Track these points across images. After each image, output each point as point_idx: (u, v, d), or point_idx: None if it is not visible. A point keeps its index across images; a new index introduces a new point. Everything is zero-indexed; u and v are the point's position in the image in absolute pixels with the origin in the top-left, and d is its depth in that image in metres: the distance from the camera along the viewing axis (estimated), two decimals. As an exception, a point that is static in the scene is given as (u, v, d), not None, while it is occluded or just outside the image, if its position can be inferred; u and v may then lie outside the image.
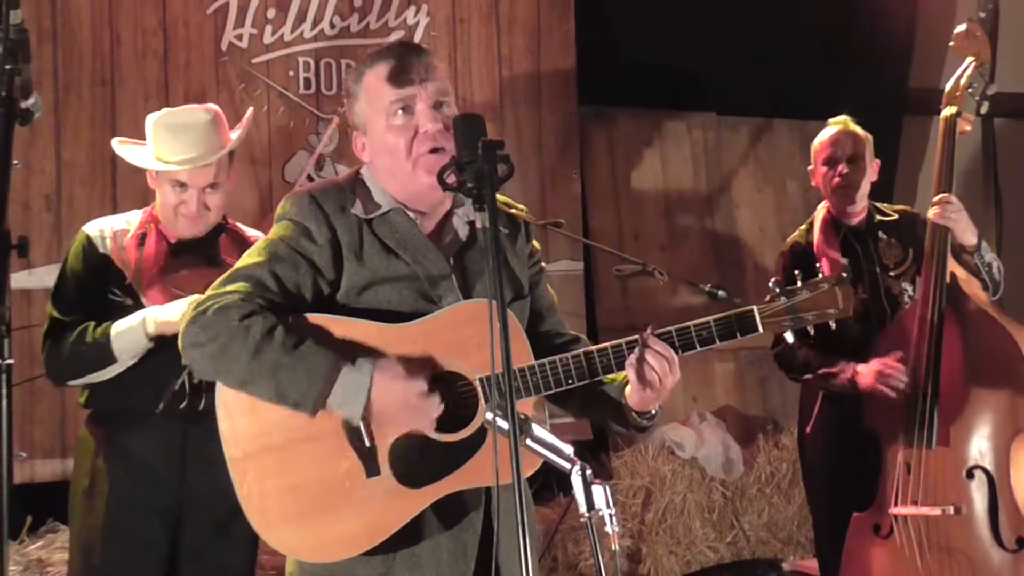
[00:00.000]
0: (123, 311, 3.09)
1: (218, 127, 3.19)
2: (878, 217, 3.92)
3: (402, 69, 2.29)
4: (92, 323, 3.07)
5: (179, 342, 2.23)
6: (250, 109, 3.38)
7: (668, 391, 2.30)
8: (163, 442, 3.11)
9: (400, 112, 2.28)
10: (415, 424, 2.19)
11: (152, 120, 3.20)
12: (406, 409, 2.17)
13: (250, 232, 3.33)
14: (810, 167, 4.02)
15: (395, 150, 2.29)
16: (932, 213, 3.58)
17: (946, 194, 3.56)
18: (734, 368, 6.13)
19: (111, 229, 3.19)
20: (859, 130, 3.94)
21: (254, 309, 2.19)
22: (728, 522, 5.64)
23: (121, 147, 3.30)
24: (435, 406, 2.18)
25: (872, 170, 3.91)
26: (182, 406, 3.07)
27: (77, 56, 4.71)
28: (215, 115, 3.20)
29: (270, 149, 5.02)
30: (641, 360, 2.26)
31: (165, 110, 3.25)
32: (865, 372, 3.61)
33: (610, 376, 2.35)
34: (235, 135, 3.23)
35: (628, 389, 2.33)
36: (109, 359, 3.04)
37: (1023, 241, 6.41)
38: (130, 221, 3.22)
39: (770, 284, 2.35)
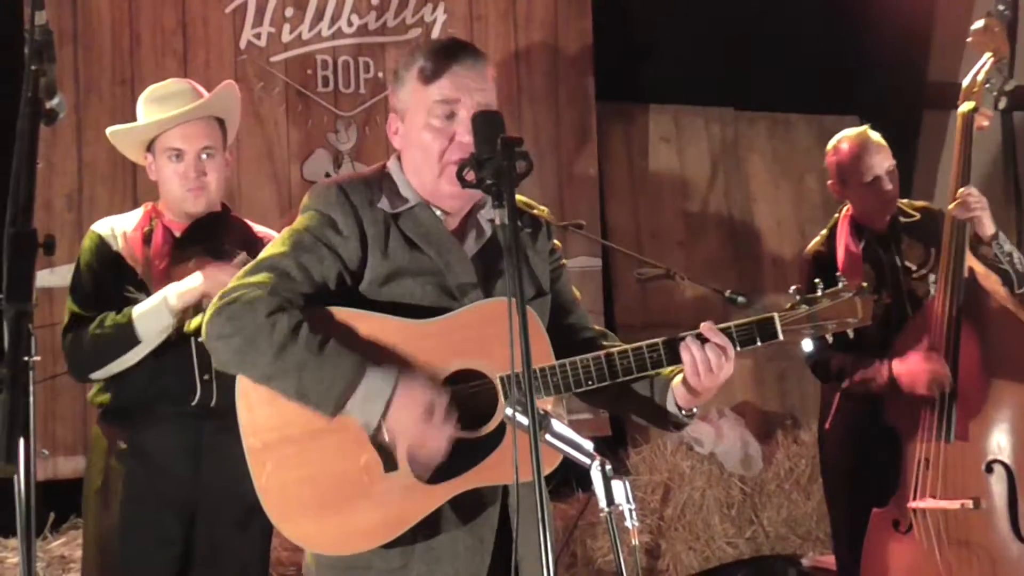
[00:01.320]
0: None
1: (198, 94, 3.22)
2: (901, 219, 3.89)
3: (456, 72, 2.29)
4: (111, 312, 3.09)
5: (203, 332, 2.25)
6: (226, 82, 3.36)
7: (718, 387, 2.31)
8: (178, 438, 3.12)
9: (442, 114, 2.28)
10: (427, 442, 2.19)
11: (140, 99, 3.25)
12: (422, 425, 2.17)
13: (257, 228, 3.35)
14: (830, 181, 3.95)
15: (427, 149, 2.30)
16: (953, 208, 3.55)
17: (967, 187, 3.55)
18: (752, 364, 6.13)
19: (120, 228, 3.22)
20: (880, 140, 3.87)
21: (281, 304, 2.20)
22: (747, 518, 5.64)
23: (113, 131, 3.31)
24: (450, 428, 2.19)
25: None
26: (194, 403, 3.09)
27: (97, 56, 4.74)
28: (194, 85, 3.26)
29: (288, 148, 5.04)
30: (692, 350, 2.27)
31: (149, 87, 3.28)
32: (905, 372, 3.57)
33: (664, 371, 2.37)
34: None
35: (676, 383, 2.35)
36: (133, 341, 3.05)
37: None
38: (133, 219, 3.26)
39: (791, 291, 2.37)
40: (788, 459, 5.76)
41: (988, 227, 3.56)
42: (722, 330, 2.31)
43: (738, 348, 2.32)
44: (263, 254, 2.30)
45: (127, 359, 3.08)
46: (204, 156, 3.17)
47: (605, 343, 2.46)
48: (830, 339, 2.39)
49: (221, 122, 3.25)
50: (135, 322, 3.05)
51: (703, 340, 2.29)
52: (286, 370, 2.17)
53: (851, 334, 2.39)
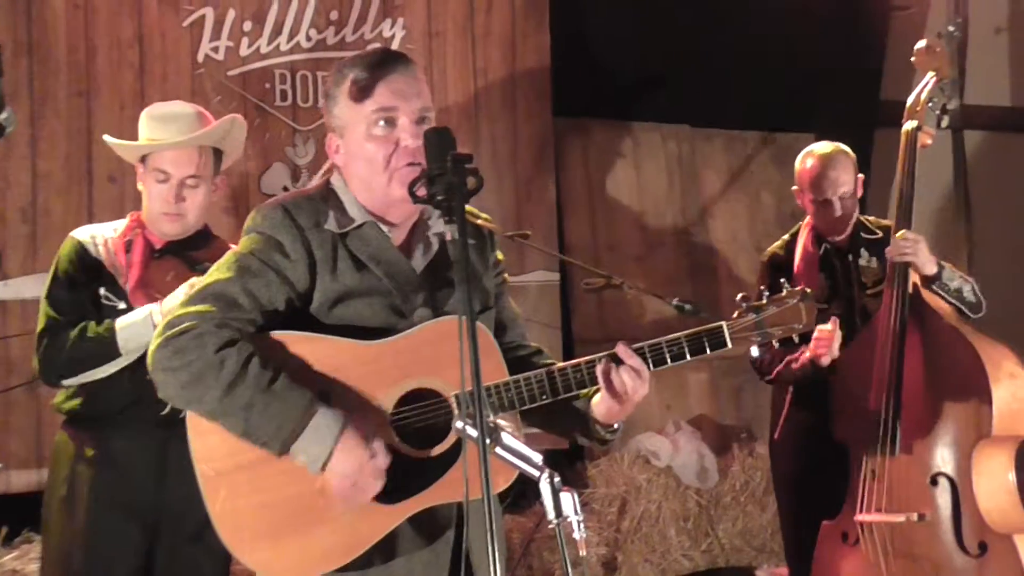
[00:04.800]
0: (116, 314, 3.11)
1: (203, 122, 3.27)
2: (863, 234, 3.95)
3: (390, 79, 2.29)
4: (92, 322, 3.09)
5: (148, 362, 2.20)
6: (234, 116, 3.40)
7: (633, 405, 2.34)
8: (145, 447, 3.12)
9: (383, 123, 2.27)
10: (353, 495, 2.18)
11: (144, 113, 3.30)
12: (358, 477, 2.16)
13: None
14: (795, 187, 4.00)
15: (372, 160, 2.28)
16: (889, 250, 3.62)
17: (902, 233, 3.61)
18: (709, 377, 6.18)
19: (101, 236, 3.24)
20: (848, 153, 3.93)
21: (231, 338, 2.17)
22: (703, 530, 5.68)
23: (109, 142, 3.36)
24: (378, 486, 2.18)
25: (859, 188, 3.93)
26: (164, 413, 3.07)
27: (53, 68, 4.72)
28: (202, 113, 3.31)
29: (246, 161, 5.03)
30: (610, 371, 2.30)
31: (156, 103, 3.36)
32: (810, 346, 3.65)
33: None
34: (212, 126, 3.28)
35: (595, 400, 2.37)
36: (113, 353, 3.07)
37: (994, 253, 6.49)
38: (117, 228, 3.27)
39: (737, 299, 2.42)
40: (744, 472, 5.81)
41: (927, 267, 3.61)
42: (672, 341, 2.35)
43: (688, 357, 2.36)
44: (208, 279, 2.26)
45: (104, 370, 3.10)
46: (188, 183, 3.20)
47: (541, 360, 2.48)
48: (776, 345, 2.45)
49: (218, 152, 3.30)
50: (117, 335, 3.06)
51: (619, 362, 2.31)
52: (233, 409, 2.14)
53: (796, 340, 2.44)
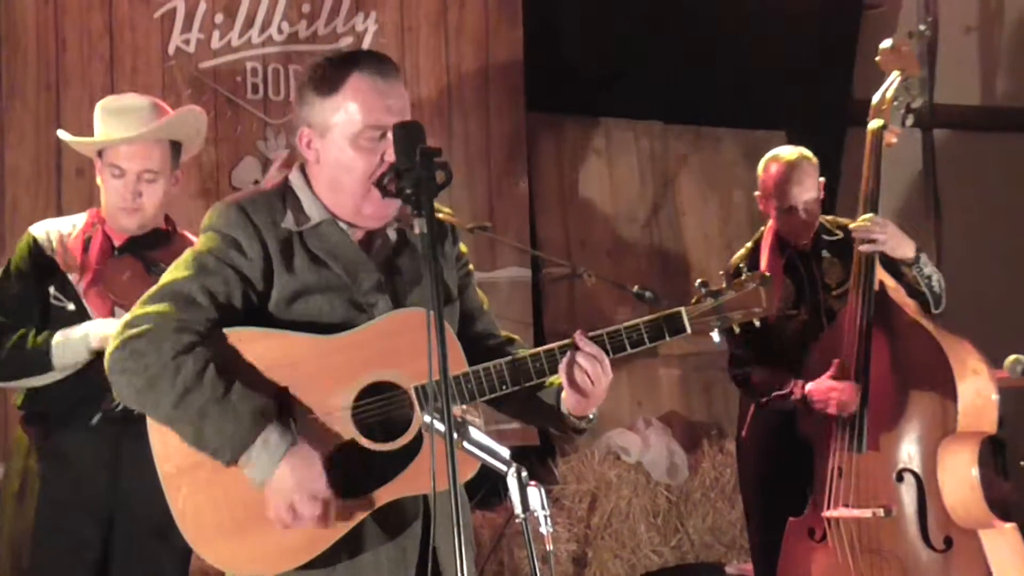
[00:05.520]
0: (64, 316, 3.09)
1: (158, 114, 3.20)
2: (824, 237, 3.96)
3: (387, 93, 2.26)
4: (33, 329, 3.07)
5: (105, 363, 2.21)
6: (191, 107, 3.36)
7: (602, 393, 2.33)
8: (97, 443, 3.09)
9: (377, 136, 2.24)
10: (287, 519, 2.17)
11: (98, 106, 3.23)
12: (294, 499, 2.15)
13: None
14: (757, 192, 4.01)
15: (353, 167, 2.26)
16: (856, 237, 3.60)
17: (868, 216, 3.60)
18: (680, 373, 6.20)
19: (57, 231, 3.19)
20: (811, 159, 3.94)
21: (191, 341, 2.16)
22: (673, 526, 5.71)
23: (64, 139, 3.32)
24: (312, 518, 2.16)
25: (821, 191, 3.94)
26: (117, 409, 3.04)
27: (22, 60, 4.68)
28: (157, 105, 3.23)
29: (217, 155, 5.01)
30: (572, 362, 2.30)
31: (109, 96, 3.29)
32: (817, 393, 3.61)
33: (550, 380, 2.39)
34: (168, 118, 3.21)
35: (564, 393, 2.37)
36: (46, 367, 3.05)
37: (962, 251, 6.55)
38: (76, 223, 3.23)
39: (696, 284, 2.41)
40: (714, 468, 5.83)
41: (904, 250, 3.62)
42: (631, 327, 2.34)
43: (647, 343, 2.35)
44: (166, 278, 2.26)
45: (37, 380, 3.08)
46: (145, 178, 3.15)
47: (512, 350, 2.47)
48: (737, 329, 2.42)
49: (176, 143, 3.23)
50: (52, 350, 3.03)
51: (577, 349, 2.30)
52: (187, 416, 2.14)
53: (757, 324, 2.42)
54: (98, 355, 2.98)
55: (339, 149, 2.27)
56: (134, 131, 3.13)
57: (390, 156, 2.21)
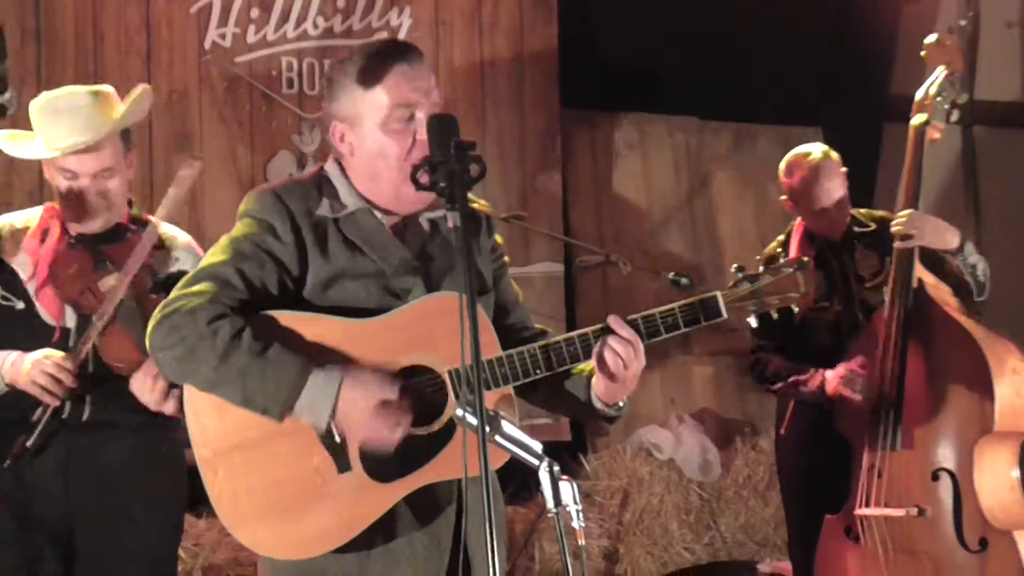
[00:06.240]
0: (13, 315, 2.94)
1: (103, 107, 2.97)
2: (856, 228, 3.93)
3: (414, 76, 2.28)
4: None
5: (146, 344, 2.23)
6: (141, 86, 3.12)
7: (633, 380, 2.31)
8: (46, 454, 2.92)
9: (402, 117, 2.27)
10: (379, 433, 2.19)
11: (34, 106, 2.99)
12: (372, 420, 2.18)
13: (181, 237, 3.15)
14: (783, 197, 3.99)
15: (388, 153, 2.28)
16: (895, 233, 3.58)
17: (906, 212, 3.57)
18: (713, 370, 6.16)
19: (10, 227, 3.03)
20: (832, 155, 3.91)
21: (222, 312, 2.19)
22: (705, 524, 5.68)
23: (9, 141, 3.08)
24: (405, 418, 2.19)
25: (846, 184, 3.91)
26: (64, 416, 2.90)
27: (60, 54, 4.73)
28: (99, 95, 2.99)
29: (252, 148, 5.04)
30: (605, 345, 2.28)
31: (45, 94, 3.01)
32: (831, 377, 3.66)
33: (578, 367, 2.38)
34: (122, 112, 3.01)
35: (594, 378, 2.36)
36: None
37: (1002, 248, 6.46)
38: (31, 217, 3.05)
39: (733, 269, 2.38)
40: (747, 466, 5.80)
41: (947, 240, 3.59)
42: (665, 311, 2.32)
43: (683, 328, 2.32)
44: (203, 263, 2.28)
45: None
46: (102, 177, 2.95)
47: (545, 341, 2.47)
48: (775, 315, 2.38)
49: (125, 130, 3.02)
50: None
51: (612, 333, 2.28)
52: (229, 377, 2.17)
53: (796, 309, 2.39)
54: (10, 388, 2.88)
55: (371, 138, 2.29)
56: (87, 134, 2.91)
57: (422, 135, 2.23)
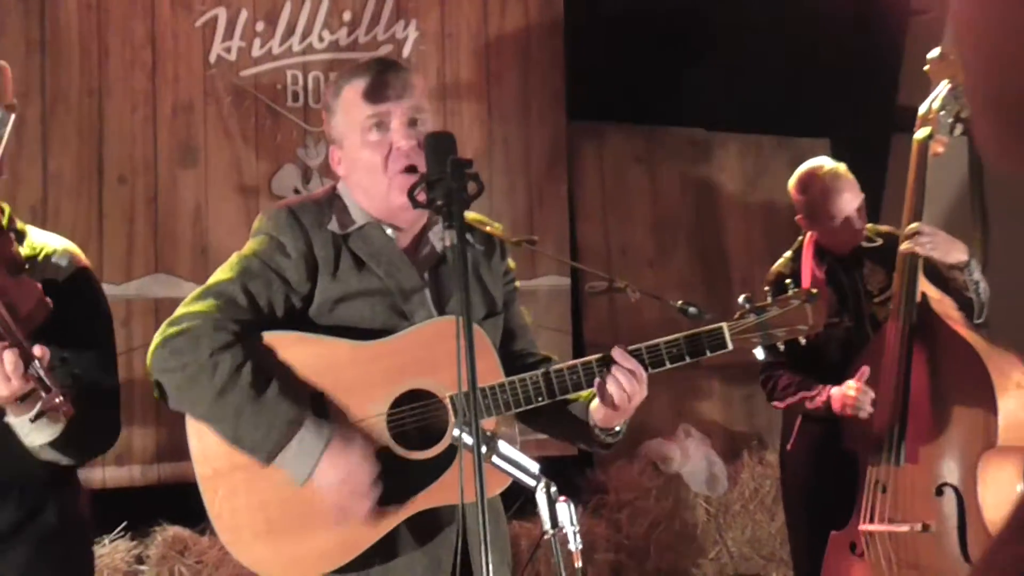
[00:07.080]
0: None
1: None
2: (864, 244, 3.91)
3: (378, 85, 2.31)
4: None
5: (148, 362, 2.24)
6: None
7: (633, 408, 2.31)
8: None
9: (375, 128, 2.30)
10: (346, 506, 2.20)
11: None
12: (344, 487, 2.19)
13: (57, 244, 2.57)
14: (798, 216, 3.96)
15: (371, 167, 2.31)
16: (904, 247, 3.56)
17: (915, 225, 3.55)
18: (720, 384, 6.14)
19: None
20: (846, 172, 3.89)
21: (226, 341, 2.19)
22: (711, 538, 5.66)
23: None
24: (369, 499, 2.19)
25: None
26: None
27: (65, 67, 4.72)
28: None
29: (257, 162, 5.03)
30: (607, 376, 2.28)
31: None
32: (836, 396, 3.63)
33: (575, 394, 2.37)
34: None
35: (593, 405, 2.35)
36: None
37: (1009, 261, 6.43)
38: None
39: (740, 300, 2.36)
40: (753, 480, 5.77)
41: (954, 255, 3.56)
42: (670, 342, 2.32)
43: (687, 359, 2.32)
44: (212, 279, 2.30)
45: None
46: None
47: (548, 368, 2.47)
48: (782, 347, 2.38)
49: None
50: None
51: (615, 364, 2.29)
52: (224, 415, 2.18)
53: (803, 341, 2.38)
54: None
55: (355, 152, 2.34)
56: None
57: (397, 142, 2.28)
